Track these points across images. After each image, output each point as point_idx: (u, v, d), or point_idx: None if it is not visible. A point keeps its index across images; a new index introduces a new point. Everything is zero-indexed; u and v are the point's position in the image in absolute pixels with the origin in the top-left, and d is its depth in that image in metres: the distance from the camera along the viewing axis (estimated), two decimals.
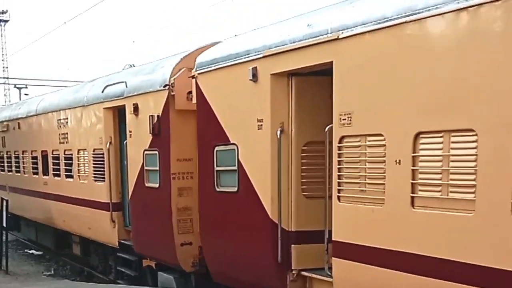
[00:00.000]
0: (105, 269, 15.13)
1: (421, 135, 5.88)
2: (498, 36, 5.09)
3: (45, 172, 17.36)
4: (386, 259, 6.38)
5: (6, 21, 74.47)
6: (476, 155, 5.33)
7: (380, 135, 6.33)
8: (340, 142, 6.87)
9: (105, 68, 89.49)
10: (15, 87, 53.23)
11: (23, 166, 19.59)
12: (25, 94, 47.30)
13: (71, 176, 15.42)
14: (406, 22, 5.89)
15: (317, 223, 7.70)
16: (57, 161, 16.27)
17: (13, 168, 20.78)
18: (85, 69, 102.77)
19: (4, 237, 16.15)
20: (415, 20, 5.79)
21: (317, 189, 7.69)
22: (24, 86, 50.33)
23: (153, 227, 11.50)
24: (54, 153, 16.50)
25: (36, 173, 18.11)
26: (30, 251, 20.60)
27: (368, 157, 6.55)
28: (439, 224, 5.77)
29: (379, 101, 6.32)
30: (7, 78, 60.75)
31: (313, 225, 7.82)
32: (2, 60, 72.55)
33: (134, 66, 13.65)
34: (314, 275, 7.81)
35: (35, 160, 18.10)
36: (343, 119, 6.76)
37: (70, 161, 15.41)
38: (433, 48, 5.66)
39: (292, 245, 8.01)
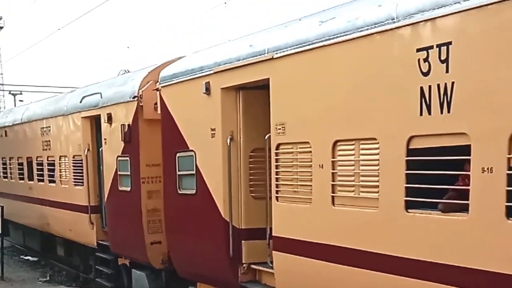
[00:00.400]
0: (86, 268, 16.02)
1: (338, 143, 6.82)
2: (386, 62, 6.08)
3: (30, 177, 18.27)
4: (314, 251, 7.30)
5: (1, 27, 72.76)
6: (378, 160, 6.27)
7: (307, 143, 7.26)
8: (277, 148, 7.81)
9: (100, 74, 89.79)
10: (9, 93, 52.86)
11: (10, 172, 20.47)
12: (20, 101, 46.87)
13: (54, 181, 16.34)
14: (324, 45, 6.83)
15: (263, 221, 8.63)
16: (41, 167, 17.16)
17: (1, 174, 21.65)
18: (79, 75, 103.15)
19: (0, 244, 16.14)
20: (329, 45, 6.74)
21: (263, 190, 8.62)
22: (19, 92, 50.07)
23: (126, 227, 12.40)
24: (38, 159, 17.40)
25: (22, 179, 19.01)
26: (26, 257, 20.50)
27: (299, 162, 7.48)
28: (354, 220, 6.71)
29: (306, 113, 7.27)
30: (2, 84, 60.43)
31: (260, 223, 8.74)
32: None
33: (128, 71, 13.89)
34: (260, 268, 8.73)
35: (21, 166, 19.01)
36: (279, 129, 7.70)
37: (53, 167, 16.32)
38: (342, 70, 6.63)
39: (243, 241, 8.93)
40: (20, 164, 19.11)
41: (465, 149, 5.34)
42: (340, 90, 6.72)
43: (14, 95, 50.59)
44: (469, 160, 5.33)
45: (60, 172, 15.89)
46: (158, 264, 11.81)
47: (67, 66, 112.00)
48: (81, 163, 14.27)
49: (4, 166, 21.15)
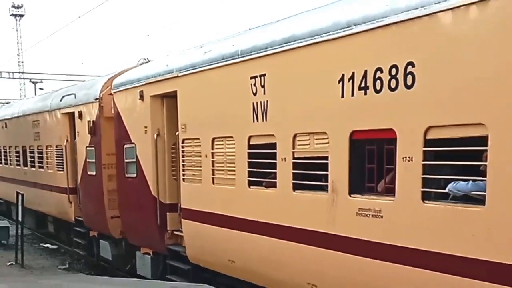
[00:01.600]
0: (70, 241, 18.92)
1: (215, 139, 9.54)
2: (235, 85, 8.84)
3: (25, 164, 21.25)
4: (205, 218, 10.06)
5: (22, 15, 73.93)
6: (234, 151, 9.00)
7: (198, 139, 10.01)
8: (182, 143, 10.56)
9: (120, 62, 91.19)
10: (30, 81, 53.93)
11: (10, 159, 23.48)
12: (40, 89, 48.05)
13: (42, 167, 19.28)
14: (204, 69, 9.55)
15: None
16: (32, 155, 20.15)
17: (3, 161, 24.69)
18: (99, 63, 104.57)
19: (19, 231, 16.50)
20: (208, 69, 9.47)
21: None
22: (39, 80, 51.10)
23: (94, 205, 15.22)
24: (30, 148, 20.37)
25: (19, 165, 21.99)
26: (45, 245, 20.45)
27: (195, 152, 10.22)
28: (224, 194, 9.46)
29: (198, 117, 10.02)
30: (23, 72, 59.86)
31: (177, 199, 11.52)
32: (18, 54, 71.62)
33: (148, 60, 14.51)
34: (179, 233, 11.50)
35: (18, 154, 22.01)
36: (183, 128, 10.45)
37: (41, 155, 19.28)
38: (215, 88, 9.42)
39: (167, 213, 11.70)
40: (17, 152, 22.11)
41: (273, 145, 8.03)
42: (215, 101, 9.45)
43: (35, 83, 51.67)
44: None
45: (46, 159, 18.82)
46: (117, 235, 14.59)
47: (87, 54, 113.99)
48: (62, 152, 17.14)
49: (5, 153, 24.15)
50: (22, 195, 16.32)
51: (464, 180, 5.78)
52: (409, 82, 6.06)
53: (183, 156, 10.63)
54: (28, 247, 18.55)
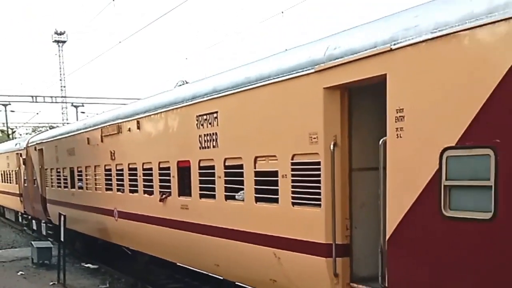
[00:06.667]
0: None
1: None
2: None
3: None
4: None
5: (64, 42, 77.00)
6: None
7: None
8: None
9: (159, 85, 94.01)
10: (72, 105, 55.79)
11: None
12: (82, 112, 50.40)
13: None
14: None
15: None
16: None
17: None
18: (139, 86, 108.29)
19: (62, 251, 16.70)
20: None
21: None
22: (81, 104, 52.95)
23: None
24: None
25: None
26: (86, 265, 20.59)
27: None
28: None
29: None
30: (65, 97, 62.43)
31: None
32: (60, 79, 75.17)
33: (186, 82, 14.83)
34: None
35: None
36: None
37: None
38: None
39: None
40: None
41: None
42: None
43: (76, 107, 53.70)
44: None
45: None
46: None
47: (127, 78, 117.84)
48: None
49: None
50: (65, 216, 16.49)
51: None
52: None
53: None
54: (69, 267, 18.94)
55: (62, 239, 16.38)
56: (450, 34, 5.68)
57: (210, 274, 11.44)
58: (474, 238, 5.59)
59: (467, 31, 5.51)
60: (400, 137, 6.33)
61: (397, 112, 6.35)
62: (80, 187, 18.64)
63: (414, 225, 6.24)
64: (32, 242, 21.07)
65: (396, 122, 6.37)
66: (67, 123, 48.19)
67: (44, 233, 25.20)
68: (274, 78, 8.55)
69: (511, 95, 5.16)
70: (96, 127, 16.53)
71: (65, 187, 20.59)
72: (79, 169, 18.59)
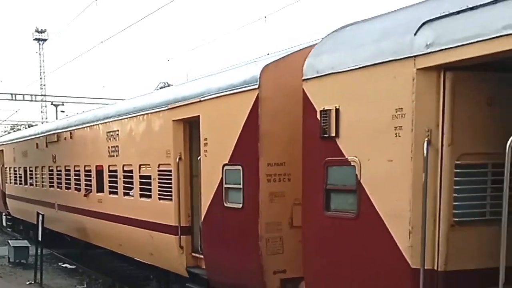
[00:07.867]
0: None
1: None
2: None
3: None
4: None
5: (45, 40, 75.64)
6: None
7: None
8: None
9: (140, 87, 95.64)
10: (52, 104, 54.23)
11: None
12: (62, 111, 50.17)
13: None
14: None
15: None
16: None
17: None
18: (120, 87, 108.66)
19: (39, 251, 16.60)
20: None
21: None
22: (61, 103, 51.91)
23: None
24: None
25: None
26: (64, 265, 20.73)
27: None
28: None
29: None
30: (44, 95, 60.37)
31: None
32: (40, 78, 73.22)
33: (168, 84, 15.03)
34: None
35: None
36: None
37: None
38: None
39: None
40: None
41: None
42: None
43: (56, 106, 52.32)
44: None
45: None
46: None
47: (108, 78, 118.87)
48: None
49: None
50: (43, 215, 16.39)
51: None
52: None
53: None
54: (47, 267, 18.99)
55: (40, 238, 16.38)
56: (221, 96, 9.41)
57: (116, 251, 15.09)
58: (235, 217, 9.31)
59: (229, 96, 9.23)
60: (206, 156, 9.99)
61: (204, 140, 10.02)
62: (31, 184, 22.41)
63: (212, 212, 9.91)
64: (9, 241, 21.12)
65: (204, 146, 10.02)
66: (46, 122, 49.93)
67: (4, 224, 29.07)
68: (147, 110, 12.25)
69: (246, 140, 8.84)
70: (43, 134, 20.17)
71: (20, 183, 24.47)
72: (30, 169, 22.63)
